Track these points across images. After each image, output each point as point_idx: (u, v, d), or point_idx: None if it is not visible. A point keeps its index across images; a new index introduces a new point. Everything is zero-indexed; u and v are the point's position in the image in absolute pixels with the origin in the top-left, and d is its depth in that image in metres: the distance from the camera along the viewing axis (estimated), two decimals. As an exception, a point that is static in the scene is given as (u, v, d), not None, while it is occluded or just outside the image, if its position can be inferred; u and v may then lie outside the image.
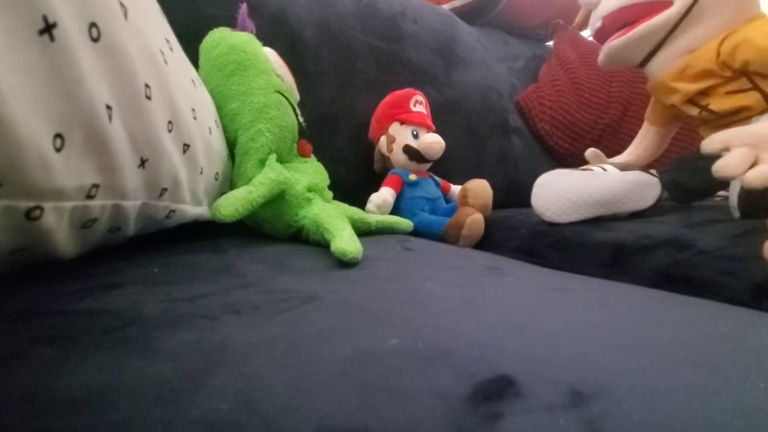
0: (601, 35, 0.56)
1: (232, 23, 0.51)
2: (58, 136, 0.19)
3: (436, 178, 0.69)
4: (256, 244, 0.38)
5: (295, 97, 0.52)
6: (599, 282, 0.35)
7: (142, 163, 0.26)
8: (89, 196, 0.22)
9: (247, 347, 0.16)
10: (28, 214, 0.19)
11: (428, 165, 0.66)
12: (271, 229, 0.44)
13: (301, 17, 0.68)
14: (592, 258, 0.44)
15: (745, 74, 0.46)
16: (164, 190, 0.29)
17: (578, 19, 0.61)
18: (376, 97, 0.70)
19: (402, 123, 0.65)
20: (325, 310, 0.20)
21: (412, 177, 0.64)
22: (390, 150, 0.65)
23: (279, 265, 0.30)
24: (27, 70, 0.17)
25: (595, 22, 0.56)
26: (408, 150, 0.64)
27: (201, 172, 0.34)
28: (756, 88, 0.45)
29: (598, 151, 0.61)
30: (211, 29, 0.49)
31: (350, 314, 0.20)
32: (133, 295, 0.21)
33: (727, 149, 0.37)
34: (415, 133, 0.65)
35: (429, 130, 0.66)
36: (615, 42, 0.54)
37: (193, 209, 0.34)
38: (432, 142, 0.63)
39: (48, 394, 0.13)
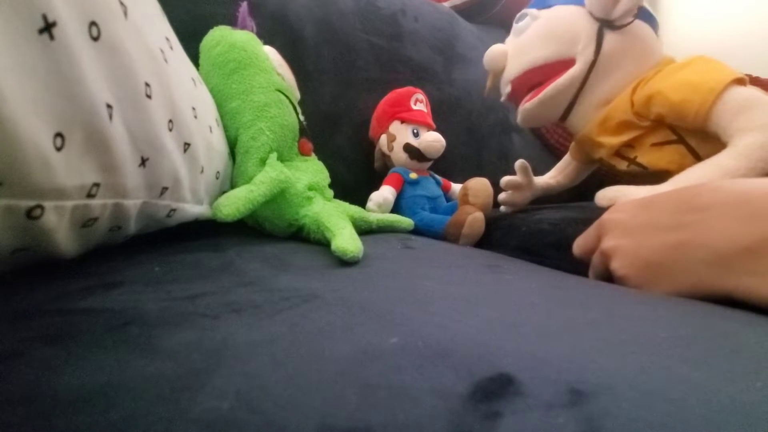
0: (513, 98, 0.56)
1: (232, 21, 0.51)
2: (59, 135, 0.19)
3: (437, 176, 0.69)
4: (256, 242, 0.38)
5: (296, 95, 0.52)
6: (599, 281, 0.35)
7: (143, 162, 0.26)
8: (90, 195, 0.22)
9: (247, 346, 0.16)
10: (29, 214, 0.19)
11: (429, 163, 0.66)
12: (271, 227, 0.44)
13: (302, 15, 0.68)
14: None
15: (667, 125, 0.45)
16: (165, 189, 0.29)
17: (488, 84, 0.59)
18: (376, 95, 0.70)
19: (402, 121, 0.65)
20: (326, 309, 0.20)
21: (413, 175, 0.63)
22: (390, 148, 0.65)
23: (279, 263, 0.30)
24: (27, 69, 0.17)
25: (505, 87, 0.56)
26: (408, 148, 0.63)
27: (202, 171, 0.34)
28: (681, 140, 0.44)
29: (527, 165, 0.59)
30: (211, 28, 0.49)
31: (351, 313, 0.20)
32: (134, 294, 0.21)
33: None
34: (415, 131, 0.65)
35: (429, 128, 0.66)
36: (527, 105, 0.53)
37: (193, 208, 0.34)
38: (432, 140, 0.63)
39: (49, 392, 0.13)
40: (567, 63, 0.49)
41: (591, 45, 0.47)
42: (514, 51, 0.54)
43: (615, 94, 0.49)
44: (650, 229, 0.30)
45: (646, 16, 0.48)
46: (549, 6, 0.51)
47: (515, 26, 0.54)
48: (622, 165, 0.50)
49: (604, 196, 0.44)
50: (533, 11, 0.52)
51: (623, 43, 0.47)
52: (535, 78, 0.52)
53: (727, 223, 0.25)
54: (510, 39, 0.56)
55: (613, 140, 0.49)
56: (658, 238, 0.29)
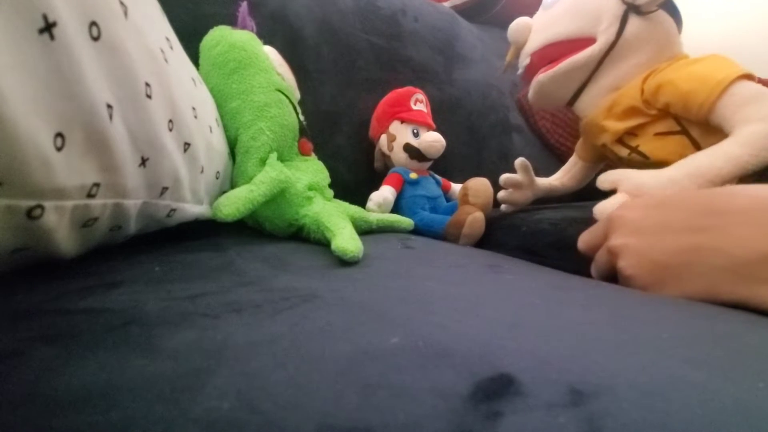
0: (530, 72, 0.57)
1: (232, 21, 0.51)
2: (59, 135, 0.19)
3: (437, 176, 0.69)
4: (256, 242, 0.38)
5: (296, 95, 0.52)
6: (600, 281, 0.35)
7: (143, 162, 0.26)
8: (90, 195, 0.22)
9: (248, 346, 0.16)
10: (29, 214, 0.19)
11: (429, 163, 0.66)
12: (271, 227, 0.44)
13: (302, 15, 0.68)
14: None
15: (673, 115, 0.45)
16: (165, 188, 0.29)
17: (509, 57, 0.61)
18: (376, 95, 0.70)
19: (402, 121, 0.65)
20: (326, 309, 0.20)
21: (413, 175, 0.63)
22: (390, 148, 0.65)
23: (280, 263, 0.30)
24: (27, 69, 0.17)
25: (524, 59, 0.57)
26: (408, 148, 0.63)
27: (202, 171, 0.34)
28: (684, 132, 0.45)
29: (528, 163, 0.60)
30: (211, 27, 0.49)
31: (351, 312, 0.20)
32: (134, 294, 0.21)
33: (615, 190, 0.41)
34: (415, 131, 0.65)
35: (429, 128, 0.66)
36: (541, 77, 0.54)
37: (193, 208, 0.34)
38: (432, 140, 0.63)
39: (49, 392, 0.13)
40: (587, 41, 0.50)
41: (614, 26, 0.48)
42: (539, 24, 0.54)
43: (626, 81, 0.49)
44: (663, 229, 0.29)
45: (671, 8, 0.49)
46: None
47: (544, 1, 0.55)
48: (624, 152, 0.50)
49: (606, 179, 0.44)
50: None
51: (645, 30, 0.48)
52: (554, 53, 0.52)
53: (746, 229, 0.24)
54: (538, 13, 0.56)
55: (618, 125, 0.49)
56: (670, 240, 0.28)
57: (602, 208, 0.41)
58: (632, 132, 0.49)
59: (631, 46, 0.48)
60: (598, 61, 0.50)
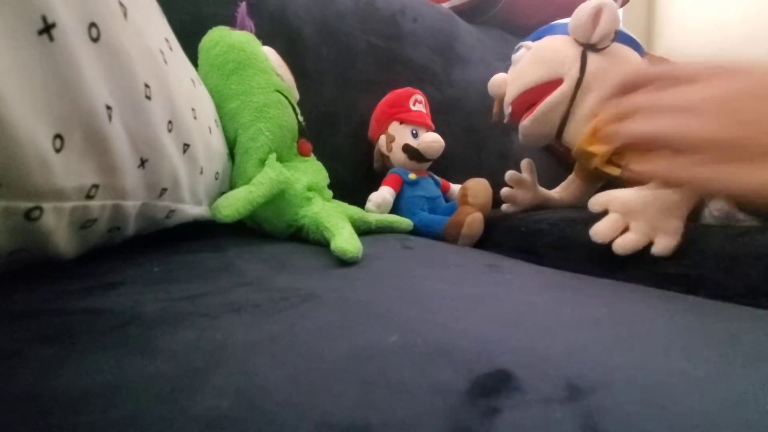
0: (514, 118, 0.63)
1: (231, 22, 0.51)
2: (58, 136, 0.19)
3: (436, 177, 0.69)
4: (256, 243, 0.38)
5: (295, 96, 0.52)
6: (597, 280, 0.35)
7: (142, 163, 0.26)
8: (89, 197, 0.22)
9: (247, 345, 0.16)
10: (28, 215, 0.19)
11: (428, 164, 0.66)
12: (271, 228, 0.44)
13: (301, 16, 0.68)
14: (591, 256, 0.44)
15: None
16: (164, 190, 0.29)
17: (495, 108, 0.67)
18: (375, 96, 0.70)
19: (401, 122, 0.65)
20: (325, 308, 0.20)
21: (412, 176, 0.64)
22: (389, 149, 0.65)
23: (279, 263, 0.30)
24: (26, 71, 0.17)
25: (506, 108, 0.63)
26: (407, 149, 0.64)
27: (201, 172, 0.34)
28: None
29: (533, 164, 0.63)
30: (210, 28, 0.49)
31: (350, 311, 0.20)
32: (134, 295, 0.21)
33: (606, 211, 0.43)
34: (414, 132, 0.65)
35: (428, 129, 0.66)
36: (524, 122, 0.59)
37: (193, 209, 0.34)
38: (431, 141, 0.63)
39: (49, 392, 0.13)
40: (556, 83, 0.55)
41: (576, 65, 0.54)
42: (512, 77, 0.61)
43: (602, 107, 0.52)
44: None
45: (624, 38, 0.55)
46: (541, 38, 0.59)
47: (513, 57, 0.62)
48: (616, 172, 0.53)
49: (596, 202, 0.46)
50: (527, 43, 0.60)
51: (606, 63, 0.54)
52: (530, 98, 0.58)
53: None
54: (510, 68, 0.63)
55: (604, 148, 0.52)
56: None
57: (599, 230, 0.43)
58: (618, 152, 0.51)
59: (597, 77, 0.54)
60: (570, 97, 0.55)
